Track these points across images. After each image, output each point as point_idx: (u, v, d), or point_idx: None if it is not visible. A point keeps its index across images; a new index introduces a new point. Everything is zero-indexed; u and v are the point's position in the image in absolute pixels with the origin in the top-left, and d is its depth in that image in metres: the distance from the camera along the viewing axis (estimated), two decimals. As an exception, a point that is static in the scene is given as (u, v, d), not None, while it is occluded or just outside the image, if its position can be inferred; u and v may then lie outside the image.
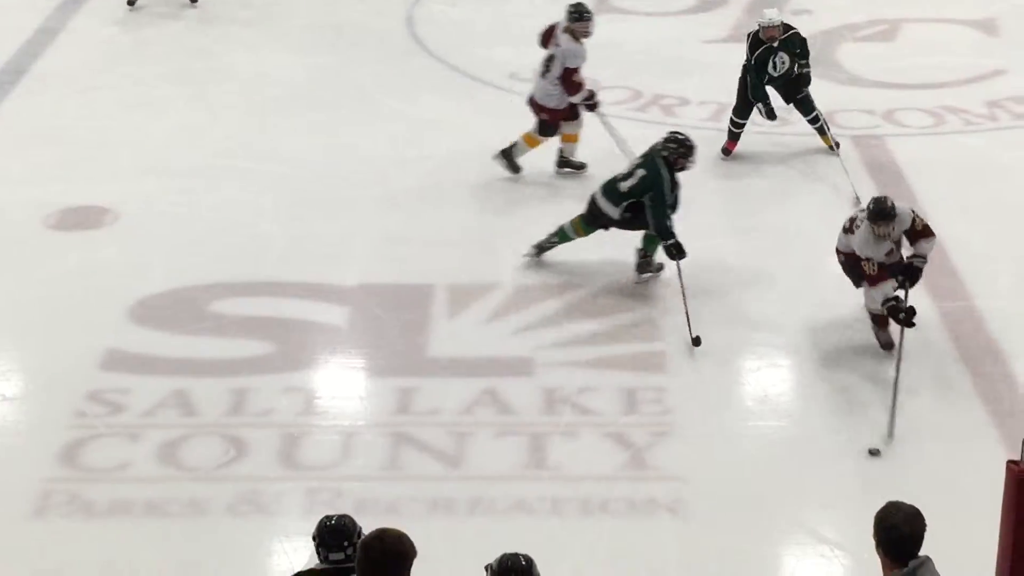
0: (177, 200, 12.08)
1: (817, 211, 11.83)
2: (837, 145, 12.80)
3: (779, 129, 13.16)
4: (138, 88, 14.44)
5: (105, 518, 8.29)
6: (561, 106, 12.26)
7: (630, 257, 10.93)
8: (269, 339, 10.04)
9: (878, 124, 13.67)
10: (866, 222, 9.44)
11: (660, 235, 10.59)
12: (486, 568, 5.35)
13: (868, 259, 9.49)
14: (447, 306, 10.50)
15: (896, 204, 9.49)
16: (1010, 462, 6.17)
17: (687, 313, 10.06)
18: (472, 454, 8.85)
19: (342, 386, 9.73)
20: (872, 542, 5.33)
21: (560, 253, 11.10)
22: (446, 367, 9.75)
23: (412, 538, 5.14)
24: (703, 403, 9.37)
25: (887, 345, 9.73)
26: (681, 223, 10.59)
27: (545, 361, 9.78)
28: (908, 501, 5.41)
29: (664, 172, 10.58)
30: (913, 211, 9.60)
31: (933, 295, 10.36)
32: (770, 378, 9.77)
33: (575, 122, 12.41)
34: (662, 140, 10.78)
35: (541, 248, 11.10)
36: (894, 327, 9.57)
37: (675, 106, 13.93)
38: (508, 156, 12.42)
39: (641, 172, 10.68)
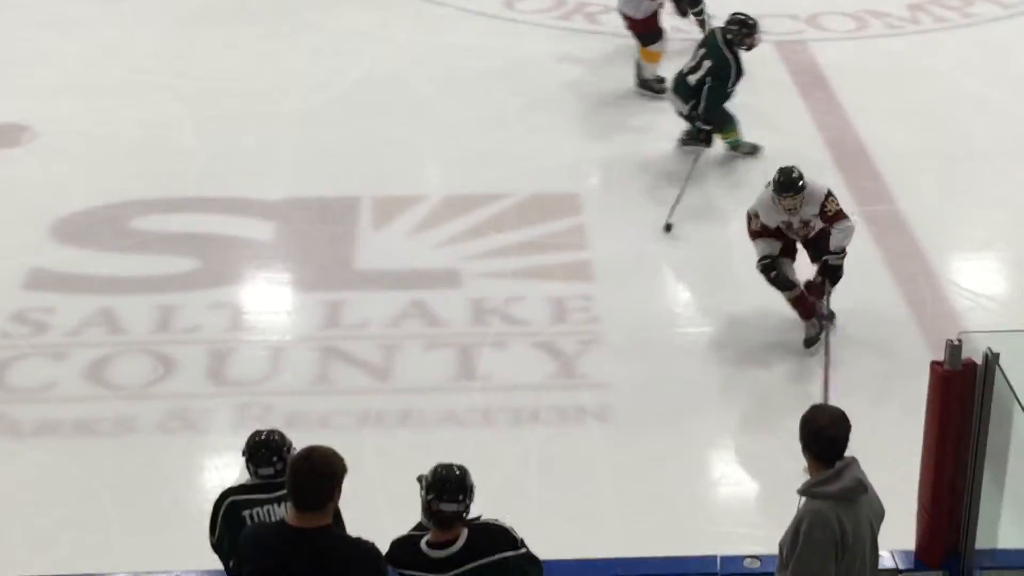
0: (96, 117, 11.92)
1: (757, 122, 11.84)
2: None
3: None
4: (53, 5, 14.15)
5: (33, 438, 8.24)
6: (638, 15, 11.98)
7: (555, 164, 10.96)
8: (194, 255, 9.97)
9: (802, 29, 13.69)
10: (770, 189, 8.68)
11: (703, 117, 10.67)
12: (419, 479, 5.37)
13: (755, 215, 8.82)
14: (373, 218, 10.46)
15: (807, 179, 8.60)
16: (934, 363, 6.26)
17: (679, 197, 10.15)
18: (401, 366, 8.85)
19: (269, 301, 9.69)
20: (799, 445, 5.39)
21: (484, 161, 11.10)
22: (373, 280, 9.72)
23: (343, 452, 5.14)
24: (630, 311, 9.40)
25: (809, 340, 8.89)
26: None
27: (472, 272, 9.78)
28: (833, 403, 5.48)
29: (730, 58, 10.60)
30: (829, 192, 8.67)
31: (857, 198, 10.44)
32: (697, 284, 9.82)
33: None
34: (724, 23, 10.78)
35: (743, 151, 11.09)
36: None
37: (599, 14, 13.84)
38: (643, 83, 12.13)
39: (708, 63, 10.67)
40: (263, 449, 5.98)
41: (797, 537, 5.28)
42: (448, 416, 8.40)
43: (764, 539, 5.85)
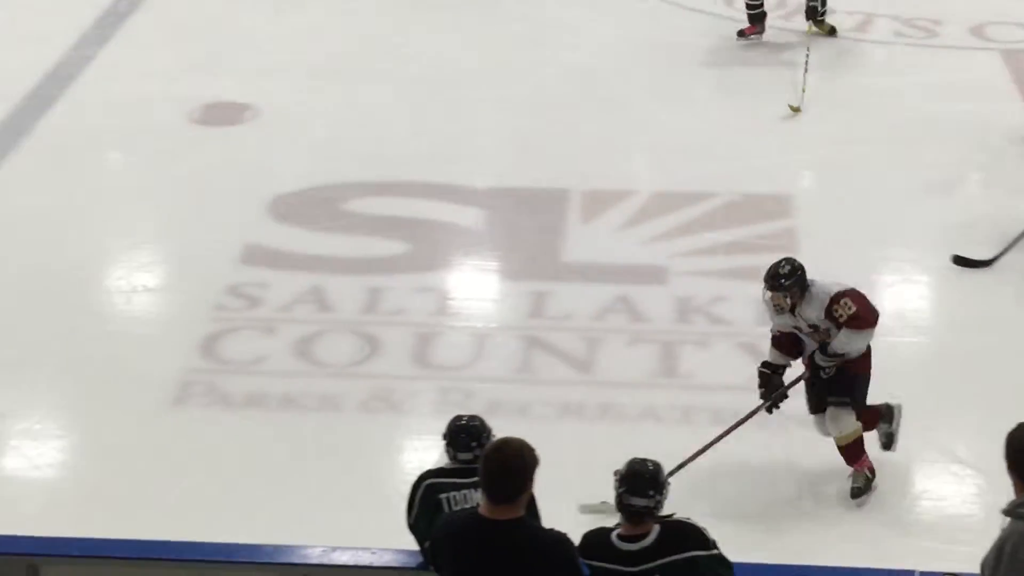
0: (316, 98, 12.19)
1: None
2: (833, 31, 12.88)
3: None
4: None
5: (242, 409, 8.46)
6: None
7: (769, 164, 10.85)
8: (404, 239, 10.12)
9: (1029, 37, 13.31)
10: None
11: None
12: (615, 473, 5.38)
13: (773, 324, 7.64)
14: (582, 211, 10.49)
15: (809, 277, 7.33)
16: None
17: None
18: (603, 360, 8.86)
19: (475, 288, 9.78)
20: (1004, 463, 5.26)
21: (696, 159, 11.04)
22: (580, 272, 9.75)
23: (542, 442, 5.16)
24: (838, 316, 9.25)
25: (855, 491, 7.66)
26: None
27: (679, 269, 9.74)
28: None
29: None
30: (841, 294, 7.29)
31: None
32: (906, 294, 9.63)
33: None
34: None
35: None
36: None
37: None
38: None
39: None
40: (463, 434, 6.03)
41: (1000, 558, 5.15)
42: (648, 412, 8.38)
43: (965, 557, 5.71)
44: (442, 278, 9.82)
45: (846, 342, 7.31)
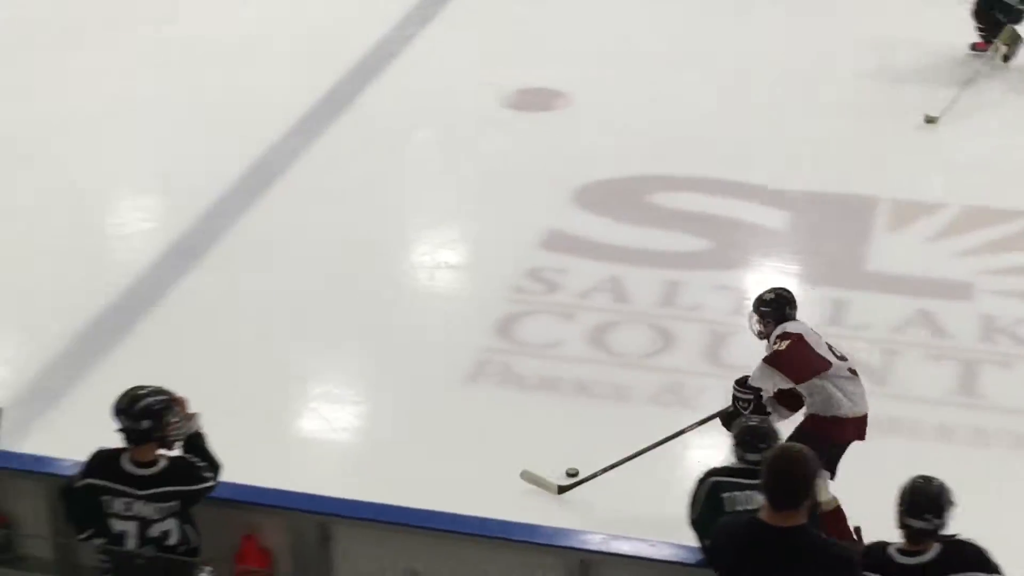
0: (628, 91, 12.27)
1: None
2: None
3: None
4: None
5: (534, 391, 8.59)
6: None
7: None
8: (705, 235, 10.11)
9: None
10: None
11: None
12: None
13: None
14: (890, 220, 10.30)
15: (795, 315, 7.11)
16: None
17: None
18: (900, 373, 8.68)
19: (774, 290, 9.70)
20: None
21: (1018, 175, 10.73)
22: (882, 282, 9.58)
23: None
24: None
25: None
26: None
27: (986, 287, 9.48)
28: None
29: None
30: (788, 334, 6.97)
31: None
32: None
33: None
34: None
35: None
36: None
37: None
38: None
39: None
40: (752, 435, 6.03)
41: None
42: (941, 430, 8.19)
43: None
44: (741, 277, 9.77)
45: (758, 375, 7.01)
